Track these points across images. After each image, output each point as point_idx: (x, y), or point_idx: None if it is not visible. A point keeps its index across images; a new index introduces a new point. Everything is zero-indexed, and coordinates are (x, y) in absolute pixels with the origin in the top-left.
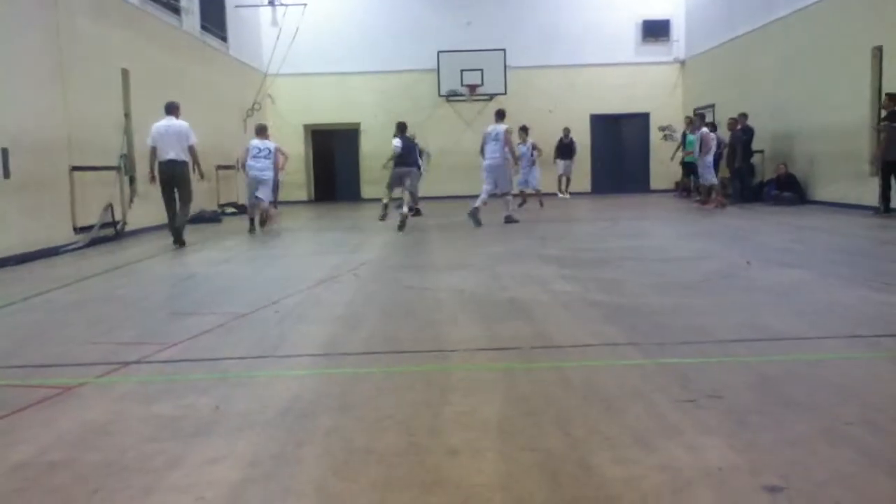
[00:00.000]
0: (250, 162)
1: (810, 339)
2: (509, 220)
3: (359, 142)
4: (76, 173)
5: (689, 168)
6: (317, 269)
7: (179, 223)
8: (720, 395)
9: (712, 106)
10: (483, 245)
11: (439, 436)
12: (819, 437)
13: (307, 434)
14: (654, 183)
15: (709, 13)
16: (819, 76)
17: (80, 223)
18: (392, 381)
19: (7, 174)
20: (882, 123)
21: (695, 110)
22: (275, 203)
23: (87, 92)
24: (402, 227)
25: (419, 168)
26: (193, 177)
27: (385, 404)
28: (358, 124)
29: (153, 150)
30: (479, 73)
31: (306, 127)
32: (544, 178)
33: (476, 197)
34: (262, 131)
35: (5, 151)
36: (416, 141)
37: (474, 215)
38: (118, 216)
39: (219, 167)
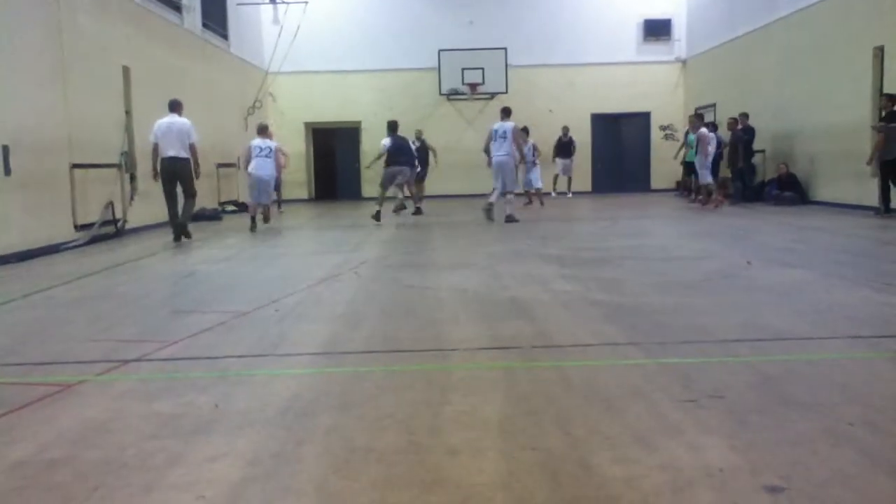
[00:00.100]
0: (252, 161)
1: (812, 340)
2: (510, 219)
3: (360, 140)
4: (77, 171)
5: (691, 168)
6: (317, 268)
7: (184, 218)
8: (721, 394)
9: (713, 105)
10: (484, 244)
11: (440, 435)
12: (820, 438)
13: (307, 433)
14: (655, 182)
15: (710, 13)
16: (820, 76)
17: (81, 221)
18: (392, 380)
19: (8, 172)
20: (880, 124)
21: (696, 110)
22: (279, 203)
23: (88, 89)
24: (396, 210)
25: (412, 167)
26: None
27: (385, 403)
28: (359, 122)
29: (155, 147)
30: (480, 71)
31: (307, 125)
32: (544, 177)
33: (482, 195)
34: (263, 130)
35: (6, 149)
36: (423, 138)
37: (489, 211)
38: (119, 214)
39: (219, 165)
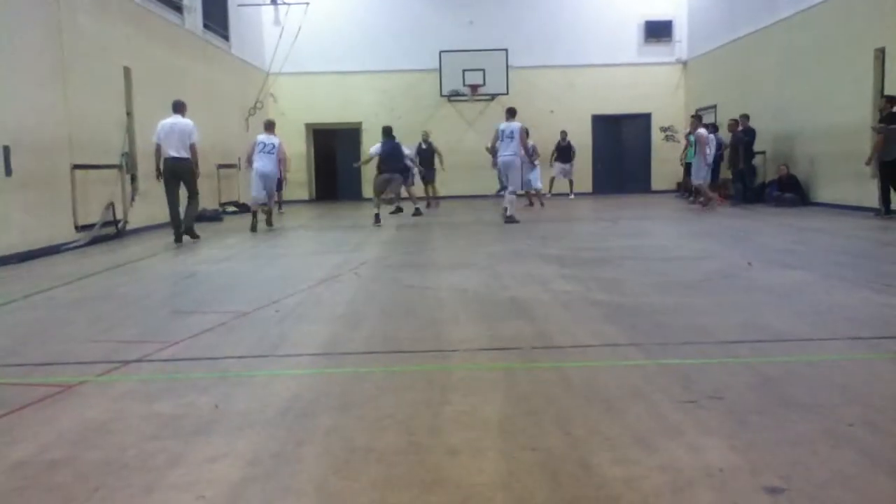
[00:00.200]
0: (256, 156)
1: (812, 341)
2: (510, 219)
3: (360, 141)
4: (77, 171)
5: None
6: (318, 268)
7: (188, 220)
8: (721, 395)
9: (714, 107)
10: (484, 244)
11: (440, 435)
12: (820, 438)
13: (307, 433)
14: (656, 183)
15: (711, 14)
16: (821, 78)
17: (82, 221)
18: (392, 380)
19: (9, 172)
20: (879, 125)
21: (697, 111)
22: (279, 204)
23: (89, 90)
24: (394, 212)
25: (402, 173)
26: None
27: (385, 403)
28: (359, 123)
29: (158, 148)
30: (480, 72)
31: (308, 126)
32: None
33: (482, 196)
34: (270, 126)
35: (7, 149)
36: (430, 140)
37: (506, 215)
38: (119, 214)
39: (220, 166)
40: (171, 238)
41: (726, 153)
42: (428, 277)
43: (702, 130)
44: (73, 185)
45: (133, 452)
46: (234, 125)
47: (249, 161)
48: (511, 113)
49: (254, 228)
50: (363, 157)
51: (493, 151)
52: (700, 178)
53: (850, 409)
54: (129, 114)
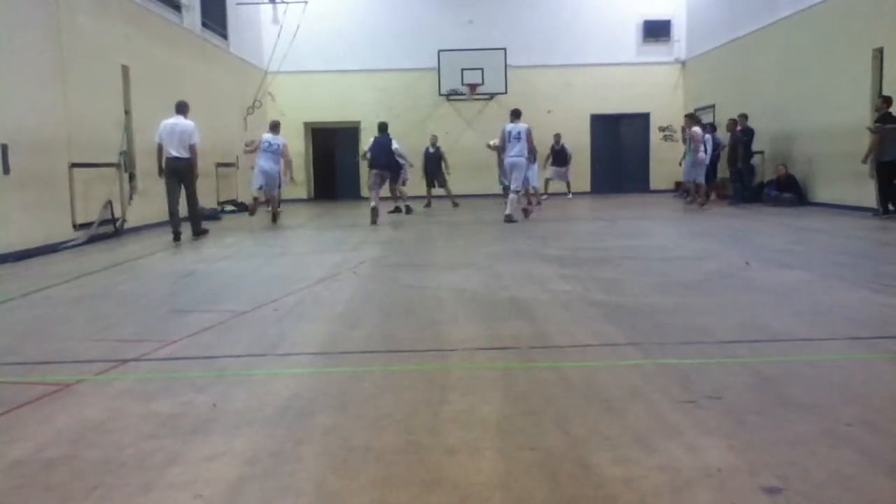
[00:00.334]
0: (260, 154)
1: (810, 341)
2: (509, 219)
3: (359, 140)
4: (76, 170)
5: None
6: (316, 268)
7: (194, 222)
8: (720, 395)
9: (713, 106)
10: (483, 244)
11: (438, 434)
12: (819, 438)
13: (306, 432)
14: (654, 183)
15: (710, 14)
16: (819, 77)
17: (80, 220)
18: (391, 379)
19: (7, 170)
20: (876, 125)
21: (695, 111)
22: (279, 203)
23: (88, 89)
24: (392, 211)
25: (392, 169)
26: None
27: (384, 403)
28: (358, 122)
29: (160, 147)
30: (479, 72)
31: (306, 125)
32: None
33: (482, 195)
34: (275, 127)
35: (5, 148)
36: (438, 145)
37: (525, 212)
38: (118, 213)
39: (219, 165)
40: (170, 236)
41: (724, 153)
42: (427, 277)
43: (696, 129)
44: (71, 184)
45: (131, 451)
46: (232, 124)
47: (254, 149)
48: (516, 114)
49: (252, 213)
50: (361, 153)
51: (499, 151)
52: (691, 177)
53: (849, 409)
54: (127, 112)
